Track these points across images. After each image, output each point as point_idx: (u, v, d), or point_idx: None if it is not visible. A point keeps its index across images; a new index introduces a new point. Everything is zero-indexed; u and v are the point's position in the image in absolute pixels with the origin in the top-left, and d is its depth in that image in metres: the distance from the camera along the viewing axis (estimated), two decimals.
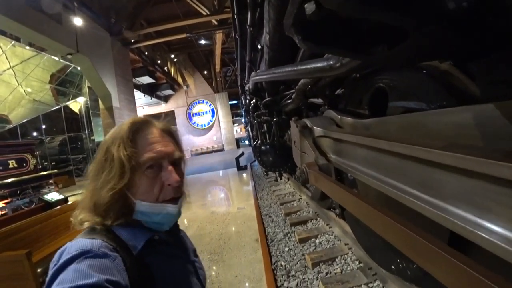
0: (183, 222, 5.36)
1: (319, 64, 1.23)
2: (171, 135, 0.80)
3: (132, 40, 12.85)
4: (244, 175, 10.00)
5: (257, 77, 2.95)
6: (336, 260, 2.82)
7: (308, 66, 1.33)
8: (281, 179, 6.33)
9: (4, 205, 8.45)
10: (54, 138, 16.86)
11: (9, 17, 7.17)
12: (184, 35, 12.99)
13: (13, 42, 11.50)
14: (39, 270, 3.82)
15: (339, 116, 1.75)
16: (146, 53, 15.45)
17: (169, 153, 0.73)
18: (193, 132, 25.45)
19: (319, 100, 2.48)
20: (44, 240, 4.50)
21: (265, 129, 3.87)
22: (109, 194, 0.66)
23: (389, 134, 1.34)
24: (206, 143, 25.48)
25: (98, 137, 14.64)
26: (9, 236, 4.11)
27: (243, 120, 18.39)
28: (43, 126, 16.22)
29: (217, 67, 21.25)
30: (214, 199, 7.03)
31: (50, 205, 8.27)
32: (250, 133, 7.38)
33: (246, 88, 4.41)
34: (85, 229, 0.67)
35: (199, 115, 25.23)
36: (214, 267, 3.27)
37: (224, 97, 24.87)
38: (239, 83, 7.31)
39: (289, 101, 2.94)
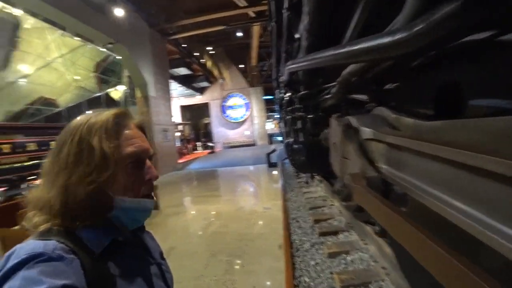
0: (210, 216, 5.22)
1: (382, 40, 0.88)
2: (144, 131, 0.77)
3: (170, 32, 13.02)
4: (274, 172, 9.69)
5: (293, 65, 2.60)
6: (370, 286, 2.41)
7: (365, 45, 0.98)
8: (312, 181, 5.93)
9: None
10: None
11: (59, 8, 7.57)
12: (221, 28, 12.89)
13: (60, 32, 12.12)
14: None
15: (394, 115, 1.36)
16: (183, 45, 15.61)
17: (148, 148, 0.73)
18: (226, 125, 25.60)
19: (363, 97, 2.09)
20: None
21: (299, 126, 3.50)
22: (86, 189, 0.60)
23: (472, 143, 0.95)
24: (238, 136, 25.50)
25: None
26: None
27: (276, 115, 18.03)
28: (87, 112, 17.18)
29: (253, 61, 21.02)
30: (241, 195, 6.82)
31: None
32: (283, 129, 7.05)
33: (281, 80, 4.06)
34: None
35: (233, 108, 25.27)
36: (231, 272, 3.02)
37: (258, 92, 24.65)
38: (274, 77, 6.98)
39: (327, 96, 2.57)
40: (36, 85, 15.71)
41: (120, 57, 11.67)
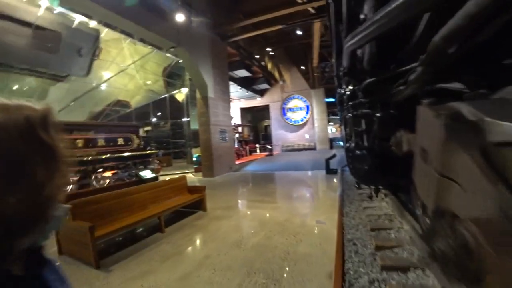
0: (255, 224, 4.73)
1: None
2: None
3: (229, 34, 13.04)
4: (333, 180, 8.78)
5: (355, 39, 1.93)
6: None
7: None
8: (376, 196, 4.97)
9: (111, 175, 9.68)
10: (163, 124, 18.98)
11: (126, 18, 8.17)
12: (279, 27, 12.41)
13: (132, 40, 13.07)
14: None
15: None
16: (243, 47, 15.57)
17: None
18: (285, 128, 25.06)
19: (457, 85, 1.32)
20: (116, 214, 4.57)
21: (363, 126, 2.75)
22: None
23: None
24: (297, 139, 24.71)
25: (194, 125, 15.63)
26: (90, 204, 4.32)
27: (339, 118, 16.85)
28: (159, 113, 18.46)
29: (314, 61, 20.08)
30: (293, 203, 6.18)
31: (143, 181, 9.05)
32: (344, 132, 6.17)
33: (342, 69, 3.32)
34: None
35: (293, 110, 24.61)
36: None
37: (320, 94, 23.52)
38: (335, 73, 6.17)
39: (402, 87, 1.83)
40: (113, 89, 17.43)
41: (181, 60, 12.07)
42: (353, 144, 3.18)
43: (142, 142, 14.98)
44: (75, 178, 8.74)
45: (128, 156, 10.03)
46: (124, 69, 16.44)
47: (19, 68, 11.55)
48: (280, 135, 25.35)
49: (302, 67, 23.56)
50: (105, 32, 12.22)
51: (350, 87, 2.96)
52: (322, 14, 11.22)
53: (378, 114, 2.47)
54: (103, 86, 16.90)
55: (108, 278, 3.26)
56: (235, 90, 20.79)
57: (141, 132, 18.58)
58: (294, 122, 24.67)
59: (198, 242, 4.19)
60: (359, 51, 2.44)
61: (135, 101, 18.45)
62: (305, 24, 13.01)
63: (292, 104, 24.57)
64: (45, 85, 13.94)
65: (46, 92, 14.39)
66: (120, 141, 10.02)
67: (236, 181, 10.44)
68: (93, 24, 11.39)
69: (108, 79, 16.35)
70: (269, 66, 19.91)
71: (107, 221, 4.37)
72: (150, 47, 13.72)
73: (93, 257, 3.63)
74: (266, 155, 21.92)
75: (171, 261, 3.53)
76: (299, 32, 15.13)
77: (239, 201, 7.08)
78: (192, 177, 12.37)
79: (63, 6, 9.45)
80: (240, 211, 5.80)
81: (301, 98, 24.05)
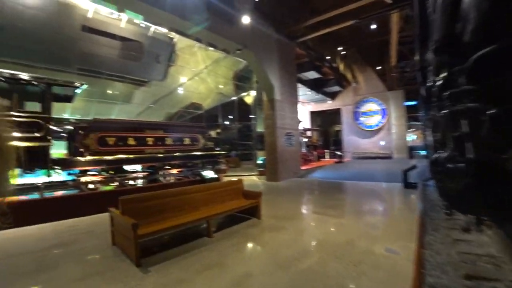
0: (310, 242, 4.05)
1: None
2: None
3: (297, 34, 12.44)
4: (411, 197, 7.40)
5: None
6: None
7: None
8: (477, 229, 3.63)
9: (178, 172, 10.04)
10: (232, 125, 19.37)
11: (194, 23, 8.39)
12: (351, 22, 11.26)
13: (205, 46, 13.56)
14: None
15: None
16: (312, 47, 14.76)
17: None
18: (358, 133, 23.20)
19: None
20: (165, 213, 4.43)
21: (464, 128, 1.84)
22: None
23: None
24: (371, 146, 22.59)
25: (260, 128, 15.45)
26: (140, 201, 4.29)
27: (421, 122, 14.56)
28: (228, 116, 18.99)
29: (392, 60, 17.98)
30: (359, 221, 5.23)
31: (204, 181, 9.11)
32: (429, 138, 4.84)
33: (433, 44, 2.38)
34: None
35: (367, 115, 22.61)
36: None
37: (398, 96, 21.05)
38: (417, 67, 5.03)
39: None
40: (187, 92, 18.53)
41: (246, 61, 11.98)
42: (445, 154, 2.25)
43: (212, 143, 15.53)
44: (144, 174, 9.32)
45: (193, 155, 10.26)
46: (197, 74, 17.31)
47: (107, 75, 13.06)
48: (351, 140, 23.55)
49: (378, 67, 21.43)
50: (179, 40, 13.01)
51: (444, 74, 2.08)
52: (401, 3, 9.72)
53: (491, 111, 1.58)
54: (179, 90, 18.12)
55: (144, 279, 3.07)
56: (304, 93, 20.04)
57: (213, 133, 19.41)
58: (368, 127, 22.62)
59: (243, 254, 3.70)
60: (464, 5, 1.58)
61: (207, 104, 19.35)
62: (380, 18, 11.58)
63: (366, 107, 22.58)
64: (130, 89, 15.56)
65: (132, 95, 16.05)
66: (187, 140, 10.32)
67: (300, 188, 9.73)
68: (163, 31, 12.20)
69: (183, 83, 17.44)
70: (341, 67, 18.61)
71: (155, 220, 4.24)
72: (220, 52, 14.11)
73: (135, 254, 3.52)
74: (336, 162, 20.51)
75: (209, 273, 3.15)
76: (373, 27, 13.62)
77: (300, 211, 6.39)
78: (256, 180, 12.11)
79: (137, 15, 10.30)
80: (298, 224, 5.13)
81: (376, 101, 21.90)
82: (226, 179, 9.53)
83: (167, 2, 7.67)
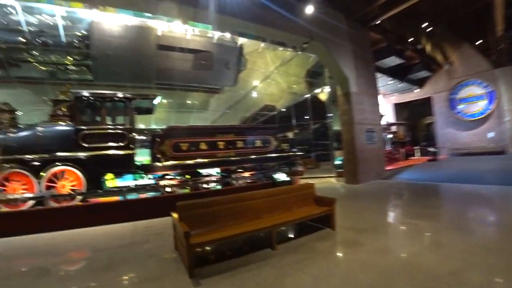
0: (394, 265, 3.09)
1: None
2: None
3: (370, 17, 10.90)
4: None
5: None
6: None
7: None
8: None
9: (250, 175, 9.81)
10: (307, 125, 18.49)
11: (256, 23, 8.14)
12: None
13: (263, 44, 13.17)
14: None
15: None
16: (390, 29, 12.79)
17: None
18: (455, 125, 19.49)
19: None
20: (224, 221, 4.05)
21: None
22: None
23: None
24: (475, 140, 18.67)
25: (336, 125, 14.18)
26: (198, 207, 3.99)
27: None
28: (303, 115, 18.24)
29: (498, 28, 14.21)
30: (464, 240, 3.86)
31: (275, 184, 8.58)
32: None
33: None
34: None
35: (467, 101, 18.76)
36: None
37: (511, 73, 16.71)
38: None
39: None
40: (261, 95, 18.50)
41: (314, 55, 11.10)
42: None
43: (287, 145, 15.07)
44: (217, 177, 9.37)
45: (264, 157, 9.88)
46: (268, 76, 17.10)
47: (182, 86, 13.90)
48: (448, 134, 19.87)
49: (478, 42, 17.42)
50: (246, 45, 12.99)
51: None
52: None
53: None
54: (253, 93, 18.24)
55: None
56: (385, 83, 17.77)
57: (290, 134, 18.90)
58: (470, 116, 18.71)
59: (308, 275, 2.99)
60: None
61: (280, 105, 19.01)
62: None
63: (465, 92, 18.73)
64: (206, 98, 16.33)
65: (208, 103, 16.84)
66: (258, 143, 9.99)
67: (384, 192, 8.35)
68: (228, 36, 12.28)
69: (255, 86, 17.46)
70: (428, 47, 15.79)
71: (212, 227, 3.90)
72: (287, 49, 13.56)
73: (187, 264, 3.25)
74: (429, 160, 17.51)
75: None
76: None
77: (382, 221, 5.27)
78: (334, 183, 11.08)
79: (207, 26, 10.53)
80: (380, 239, 4.10)
81: (480, 83, 17.89)
82: (302, 181, 8.87)
83: (232, 7, 7.60)
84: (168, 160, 8.18)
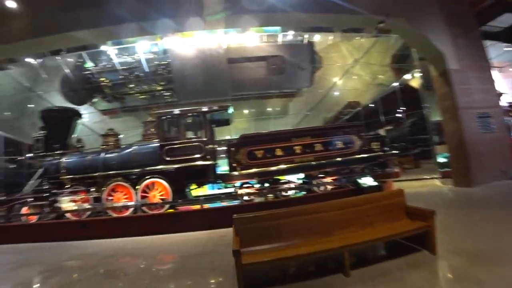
0: None
1: None
2: None
3: None
4: None
5: None
6: None
7: None
8: None
9: (331, 180, 8.75)
10: (401, 119, 15.88)
11: (324, 12, 7.41)
12: None
13: (331, 35, 11.83)
14: None
15: None
16: None
17: None
18: None
19: None
20: (286, 238, 3.42)
21: None
22: None
23: None
24: None
25: (435, 115, 11.54)
26: (263, 220, 3.52)
27: None
28: (399, 109, 15.84)
29: None
30: None
31: (361, 190, 7.30)
32: None
33: None
34: None
35: None
36: None
37: None
38: None
39: None
40: (343, 92, 16.97)
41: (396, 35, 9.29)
42: None
43: (377, 143, 13.23)
44: (296, 184, 8.67)
45: (347, 160, 8.65)
46: (348, 70, 15.52)
47: (257, 95, 13.80)
48: None
49: None
50: (317, 41, 12.04)
51: None
52: None
53: None
54: (334, 92, 16.90)
55: None
56: (499, 52, 13.68)
57: (382, 131, 16.61)
58: None
59: None
60: None
61: (365, 100, 16.98)
62: None
63: None
64: (285, 102, 15.90)
65: (287, 107, 16.39)
66: (339, 144, 8.82)
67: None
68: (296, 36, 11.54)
69: (335, 84, 16.11)
70: None
71: (273, 245, 3.32)
72: (366, 37, 11.92)
73: (238, 286, 2.88)
74: None
75: None
76: None
77: (504, 242, 3.61)
78: (439, 186, 8.97)
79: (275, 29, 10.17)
80: (508, 273, 2.69)
81: None
82: (397, 185, 7.31)
83: (299, 2, 7.11)
84: (244, 169, 8.00)
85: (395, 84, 14.73)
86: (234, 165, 8.05)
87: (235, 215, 3.58)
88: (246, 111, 16.15)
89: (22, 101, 12.33)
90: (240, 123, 15.38)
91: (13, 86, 12.31)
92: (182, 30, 8.52)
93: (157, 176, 7.66)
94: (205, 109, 8.07)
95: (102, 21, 7.26)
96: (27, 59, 10.61)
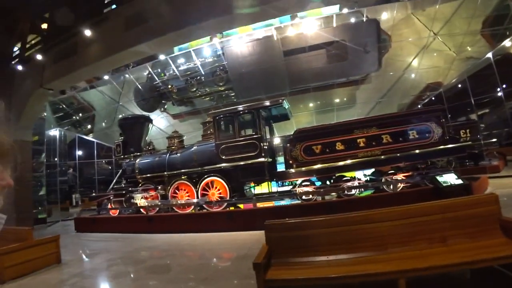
0: None
1: None
2: None
3: None
4: None
5: None
6: None
7: None
8: None
9: (403, 177, 7.33)
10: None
11: None
12: None
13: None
14: None
15: None
16: None
17: None
18: None
19: None
20: (322, 251, 2.77)
21: None
22: None
23: None
24: None
25: None
26: (298, 229, 2.94)
27: None
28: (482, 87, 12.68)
29: None
30: None
31: (440, 190, 5.79)
32: None
33: None
34: None
35: None
36: None
37: None
38: None
39: None
40: (420, 73, 14.42)
41: None
42: None
43: (465, 131, 10.82)
44: (362, 182, 7.52)
45: (421, 153, 7.09)
46: (425, 46, 13.02)
47: (318, 85, 12.67)
48: None
49: None
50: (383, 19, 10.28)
51: None
52: None
53: None
54: (408, 75, 14.49)
55: None
56: None
57: (474, 116, 13.56)
58: None
59: None
60: None
61: (448, 79, 13.99)
62: None
63: None
64: (351, 91, 14.33)
65: (354, 96, 14.75)
66: (413, 134, 7.31)
67: None
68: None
69: (409, 65, 13.75)
70: None
71: (304, 260, 2.71)
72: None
73: None
74: None
75: None
76: None
77: None
78: None
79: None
80: None
81: None
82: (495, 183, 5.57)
83: None
84: (300, 166, 7.35)
85: (489, 55, 11.56)
86: (290, 162, 7.47)
87: (267, 221, 3.07)
88: (311, 104, 15.15)
89: (111, 112, 14.27)
90: (304, 117, 14.52)
91: (105, 100, 14.36)
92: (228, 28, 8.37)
93: (215, 174, 7.69)
94: (258, 105, 7.72)
95: (156, 33, 7.60)
96: (106, 76, 12.18)
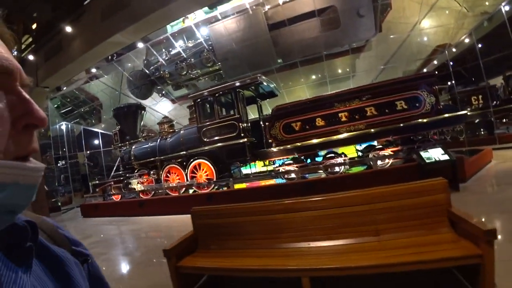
0: None
1: None
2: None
3: None
4: None
5: None
6: None
7: None
8: None
9: (391, 153, 6.71)
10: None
11: None
12: None
13: None
14: None
15: None
16: None
17: (19, 68, 0.32)
18: None
19: None
20: (245, 241, 2.55)
21: None
22: None
23: None
24: None
25: None
26: (221, 216, 2.72)
27: None
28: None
29: None
30: None
31: (422, 167, 5.12)
32: None
33: None
34: None
35: None
36: None
37: None
38: None
39: None
40: (427, 35, 12.88)
41: None
42: None
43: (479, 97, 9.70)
44: (346, 159, 6.97)
45: (411, 125, 6.37)
46: (433, 4, 11.50)
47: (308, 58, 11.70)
48: None
49: None
50: None
51: None
52: None
53: None
54: (414, 37, 12.99)
55: None
56: None
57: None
58: None
59: None
60: None
61: (457, 40, 12.33)
62: None
63: None
64: (350, 60, 13.20)
65: (354, 66, 13.62)
66: (401, 104, 6.55)
67: None
68: None
69: (414, 26, 12.28)
70: None
71: (225, 249, 2.55)
72: None
73: None
74: None
75: None
76: None
77: None
78: None
79: None
80: None
81: None
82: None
83: None
84: (280, 145, 6.99)
85: (507, 7, 9.84)
86: (270, 140, 7.11)
87: (194, 207, 2.88)
88: (313, 77, 14.17)
89: (115, 101, 14.38)
90: (298, 91, 13.67)
91: (108, 90, 14.47)
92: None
93: (201, 157, 7.57)
94: (233, 85, 7.27)
95: (134, 18, 7.22)
96: (94, 69, 12.08)
